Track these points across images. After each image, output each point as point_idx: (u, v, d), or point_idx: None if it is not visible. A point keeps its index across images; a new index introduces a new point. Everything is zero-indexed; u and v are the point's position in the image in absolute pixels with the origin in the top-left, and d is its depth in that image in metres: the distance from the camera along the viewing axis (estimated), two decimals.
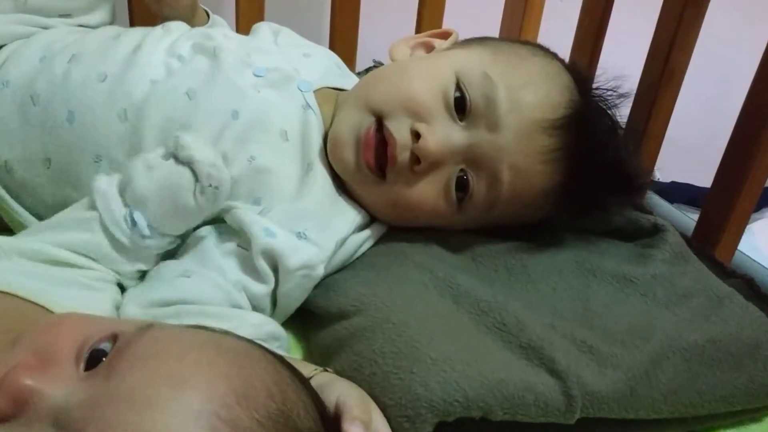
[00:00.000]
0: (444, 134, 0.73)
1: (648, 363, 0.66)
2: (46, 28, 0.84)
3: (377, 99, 0.76)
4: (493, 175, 0.74)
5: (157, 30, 0.83)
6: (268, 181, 0.75)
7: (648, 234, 0.84)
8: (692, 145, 1.41)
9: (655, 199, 1.08)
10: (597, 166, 0.76)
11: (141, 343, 0.44)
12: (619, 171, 0.79)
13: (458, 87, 0.75)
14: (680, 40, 0.95)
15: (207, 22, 0.92)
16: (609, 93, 0.81)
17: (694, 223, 0.99)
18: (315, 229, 0.73)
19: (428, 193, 0.75)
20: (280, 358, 0.51)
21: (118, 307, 0.67)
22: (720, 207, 0.91)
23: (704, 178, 1.52)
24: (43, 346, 0.45)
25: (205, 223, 0.75)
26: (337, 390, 0.57)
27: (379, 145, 0.74)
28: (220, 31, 0.88)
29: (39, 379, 0.42)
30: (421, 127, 0.73)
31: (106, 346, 0.45)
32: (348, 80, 0.89)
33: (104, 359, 0.44)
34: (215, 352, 0.46)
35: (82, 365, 0.44)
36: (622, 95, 0.82)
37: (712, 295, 0.75)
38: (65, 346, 0.45)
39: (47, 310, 0.58)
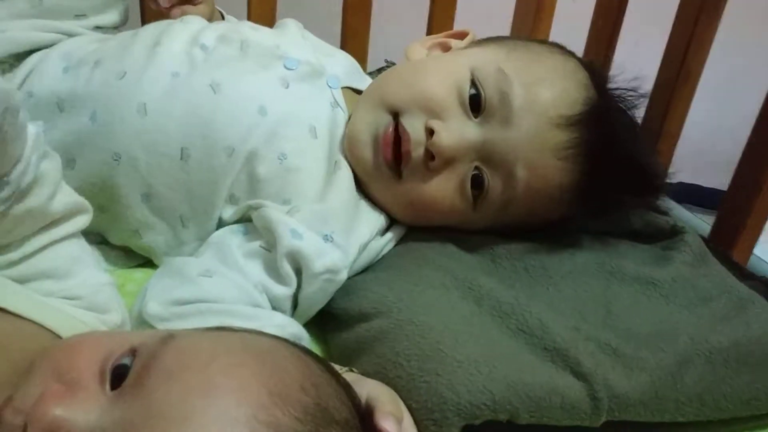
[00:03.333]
0: (458, 131, 0.73)
1: (674, 365, 0.65)
2: (62, 33, 0.83)
3: (392, 96, 0.76)
4: (508, 172, 0.74)
5: (176, 23, 0.82)
6: (297, 180, 0.75)
7: (667, 235, 0.83)
8: (697, 146, 1.41)
9: (666, 201, 1.08)
10: (615, 163, 0.76)
11: (166, 356, 0.43)
12: (638, 169, 0.79)
13: (473, 83, 0.74)
14: (696, 41, 0.95)
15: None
16: (629, 93, 0.81)
17: (703, 224, 0.98)
18: (341, 232, 0.73)
19: (444, 190, 0.75)
20: (308, 351, 0.50)
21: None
22: (737, 209, 0.91)
23: (707, 179, 1.53)
24: (64, 371, 0.44)
25: (228, 222, 0.75)
26: (367, 386, 0.56)
27: (394, 142, 0.74)
28: (247, 24, 0.88)
29: (68, 406, 0.41)
30: (435, 124, 0.73)
31: (127, 360, 0.44)
32: (366, 84, 0.88)
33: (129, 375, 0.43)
34: (243, 353, 0.45)
35: (107, 384, 0.43)
36: (641, 95, 0.81)
37: (734, 298, 0.74)
38: (87, 368, 0.44)
39: (45, 328, 0.54)
